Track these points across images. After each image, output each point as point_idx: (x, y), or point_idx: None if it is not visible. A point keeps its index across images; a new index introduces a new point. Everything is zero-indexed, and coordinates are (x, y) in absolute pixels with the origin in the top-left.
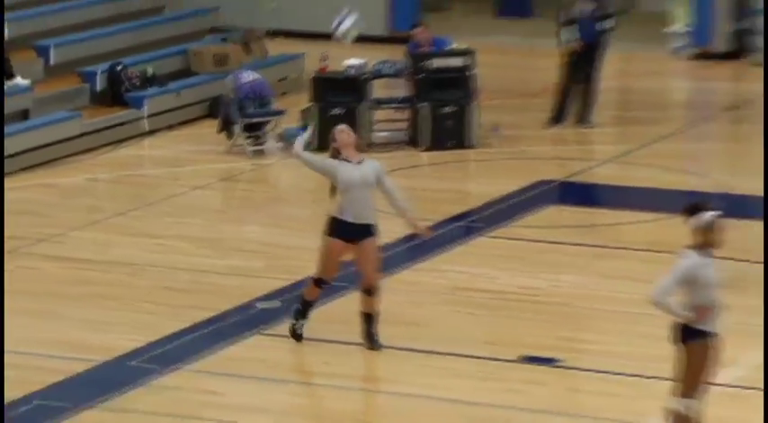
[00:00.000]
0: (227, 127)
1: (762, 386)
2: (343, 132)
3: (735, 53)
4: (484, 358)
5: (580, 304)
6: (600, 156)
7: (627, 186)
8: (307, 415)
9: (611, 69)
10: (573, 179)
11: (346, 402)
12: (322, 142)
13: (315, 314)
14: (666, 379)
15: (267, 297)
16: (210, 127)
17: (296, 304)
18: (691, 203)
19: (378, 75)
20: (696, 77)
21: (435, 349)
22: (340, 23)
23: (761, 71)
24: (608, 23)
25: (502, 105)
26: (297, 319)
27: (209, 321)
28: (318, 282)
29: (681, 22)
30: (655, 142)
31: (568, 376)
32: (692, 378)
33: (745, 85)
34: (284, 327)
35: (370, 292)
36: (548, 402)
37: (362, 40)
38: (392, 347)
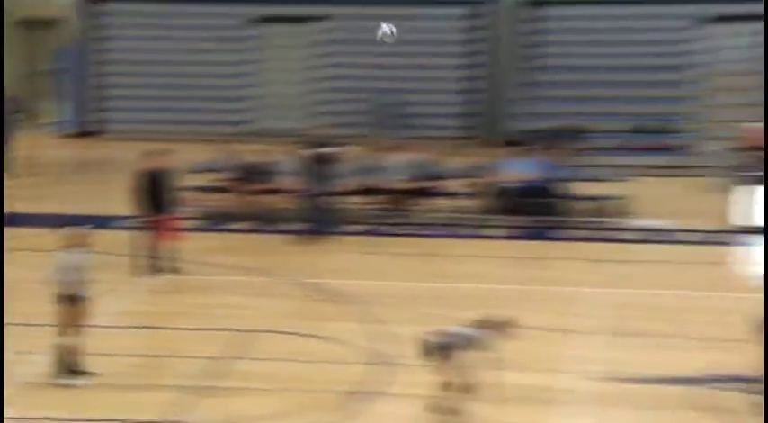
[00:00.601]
0: None
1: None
2: None
3: (94, 132)
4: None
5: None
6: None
7: (30, 213)
8: None
9: (24, 144)
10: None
11: None
12: None
13: None
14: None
15: None
16: None
17: None
18: (64, 223)
19: None
20: (98, 148)
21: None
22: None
23: (114, 143)
24: (17, 117)
25: None
26: None
27: None
28: None
29: (51, 115)
30: (58, 186)
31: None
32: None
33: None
34: None
35: None
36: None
37: None
38: None
